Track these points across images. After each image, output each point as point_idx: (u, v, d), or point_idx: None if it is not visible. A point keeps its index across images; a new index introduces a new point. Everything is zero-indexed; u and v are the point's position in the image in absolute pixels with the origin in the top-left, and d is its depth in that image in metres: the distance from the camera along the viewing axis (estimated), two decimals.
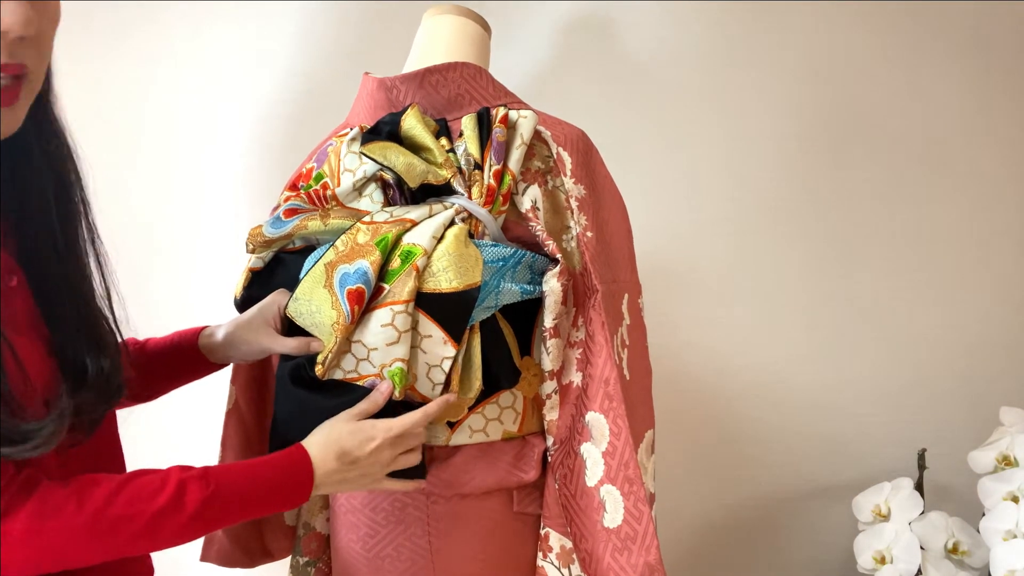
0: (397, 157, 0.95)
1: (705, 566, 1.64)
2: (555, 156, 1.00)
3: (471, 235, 0.95)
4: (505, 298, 0.95)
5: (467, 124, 0.99)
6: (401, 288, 0.89)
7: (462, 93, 1.03)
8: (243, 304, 1.05)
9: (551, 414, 1.00)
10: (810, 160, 1.55)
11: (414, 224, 0.94)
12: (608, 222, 1.03)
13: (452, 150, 0.98)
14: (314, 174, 1.04)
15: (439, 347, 0.91)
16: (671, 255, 1.55)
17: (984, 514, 1.33)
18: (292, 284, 0.98)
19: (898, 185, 1.56)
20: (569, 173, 1.00)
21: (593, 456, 0.96)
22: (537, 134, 1.00)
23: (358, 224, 0.95)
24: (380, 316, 0.90)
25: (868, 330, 1.59)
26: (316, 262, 0.95)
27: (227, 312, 1.04)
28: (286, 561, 1.24)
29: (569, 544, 0.99)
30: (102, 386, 0.76)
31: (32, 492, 0.68)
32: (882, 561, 1.37)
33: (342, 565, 1.08)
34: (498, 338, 0.98)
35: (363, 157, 0.99)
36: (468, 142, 0.98)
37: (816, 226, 1.57)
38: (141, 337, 1.01)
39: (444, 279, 0.90)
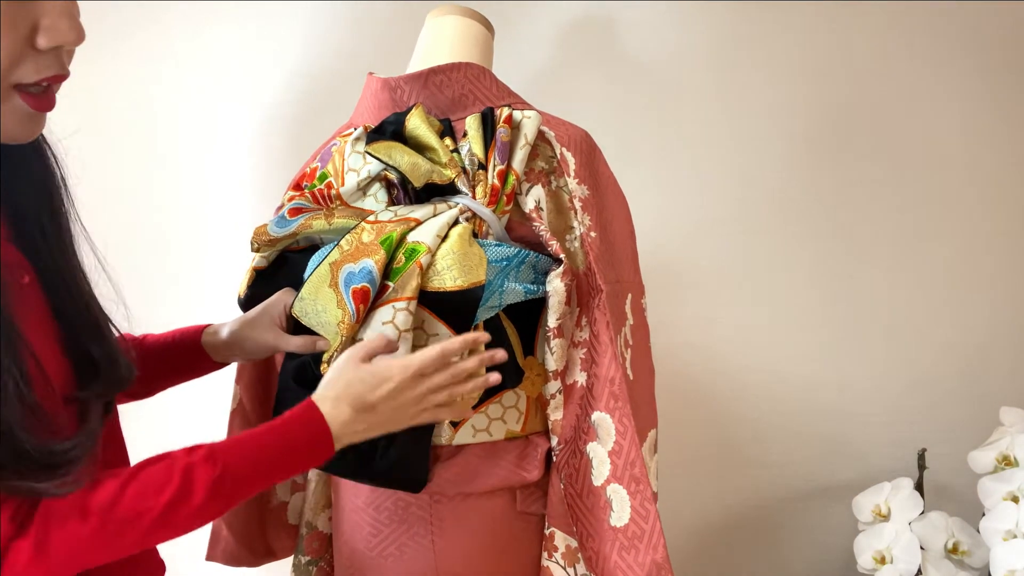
0: (402, 156, 0.96)
1: (705, 566, 1.64)
2: (559, 156, 1.00)
3: (475, 235, 0.95)
4: (509, 298, 0.96)
5: (471, 124, 0.99)
6: (404, 285, 0.90)
7: (466, 93, 1.03)
8: (247, 303, 1.05)
9: (555, 414, 1.00)
10: (812, 160, 1.55)
11: (418, 223, 0.94)
12: (612, 222, 1.04)
13: (456, 150, 0.99)
14: (318, 174, 1.04)
15: None
16: (672, 255, 1.56)
17: (984, 514, 1.33)
18: (296, 283, 0.98)
19: (899, 185, 1.57)
20: (572, 173, 1.00)
21: (599, 455, 0.96)
22: (541, 134, 1.00)
23: (362, 223, 0.95)
24: (382, 314, 0.90)
25: (868, 330, 1.59)
26: (321, 261, 0.95)
27: (232, 311, 1.04)
28: (288, 560, 1.24)
29: (575, 543, 0.99)
30: (111, 376, 0.76)
31: (33, 510, 0.66)
32: (882, 561, 1.37)
33: (345, 564, 1.08)
34: (502, 338, 0.98)
35: (367, 157, 0.99)
36: (472, 142, 0.98)
37: (816, 227, 1.57)
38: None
39: (448, 277, 0.91)
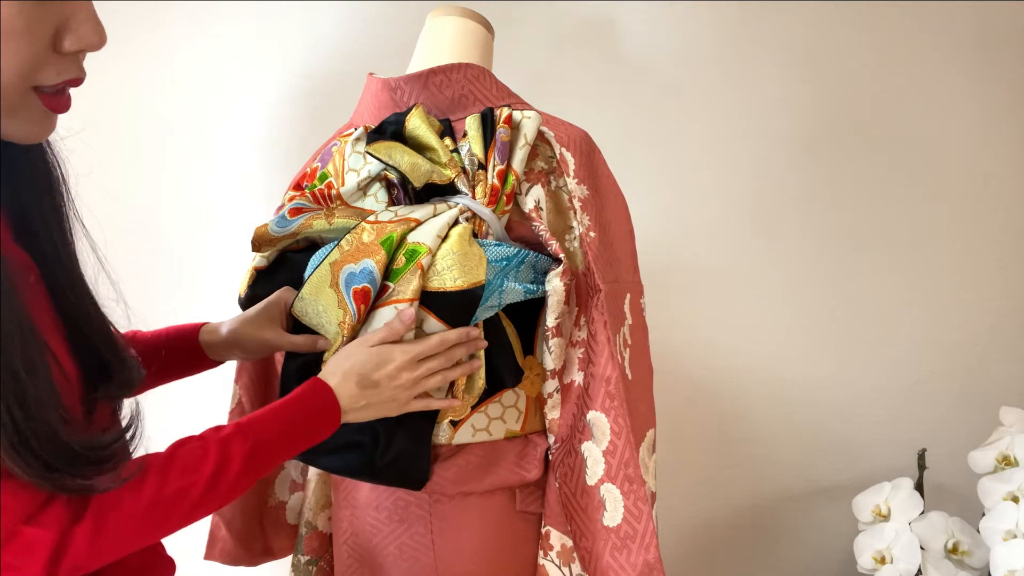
0: (402, 156, 0.96)
1: (705, 566, 1.64)
2: (558, 156, 1.00)
3: (475, 234, 0.96)
4: (508, 297, 0.96)
5: (471, 124, 0.99)
6: (406, 287, 0.90)
7: (466, 94, 1.03)
8: (247, 302, 1.06)
9: (552, 413, 1.00)
10: (812, 161, 1.56)
11: (418, 223, 0.94)
12: (611, 222, 1.04)
13: (456, 150, 0.99)
14: (318, 174, 1.04)
15: None
16: (672, 255, 1.56)
17: (984, 514, 1.33)
18: (296, 283, 0.99)
19: (898, 185, 1.57)
20: (572, 174, 1.00)
21: (594, 455, 0.97)
22: (540, 134, 1.01)
23: (363, 223, 0.95)
24: (384, 314, 0.91)
25: (868, 330, 1.59)
26: (321, 261, 0.95)
27: (232, 311, 1.05)
28: (287, 560, 1.24)
29: (570, 542, 0.99)
30: (122, 378, 0.76)
31: (88, 496, 0.68)
32: (882, 561, 1.37)
33: (344, 564, 1.08)
34: (501, 337, 0.98)
35: (368, 157, 0.99)
36: (472, 142, 0.98)
37: (817, 226, 1.57)
38: None
39: (448, 277, 0.91)
